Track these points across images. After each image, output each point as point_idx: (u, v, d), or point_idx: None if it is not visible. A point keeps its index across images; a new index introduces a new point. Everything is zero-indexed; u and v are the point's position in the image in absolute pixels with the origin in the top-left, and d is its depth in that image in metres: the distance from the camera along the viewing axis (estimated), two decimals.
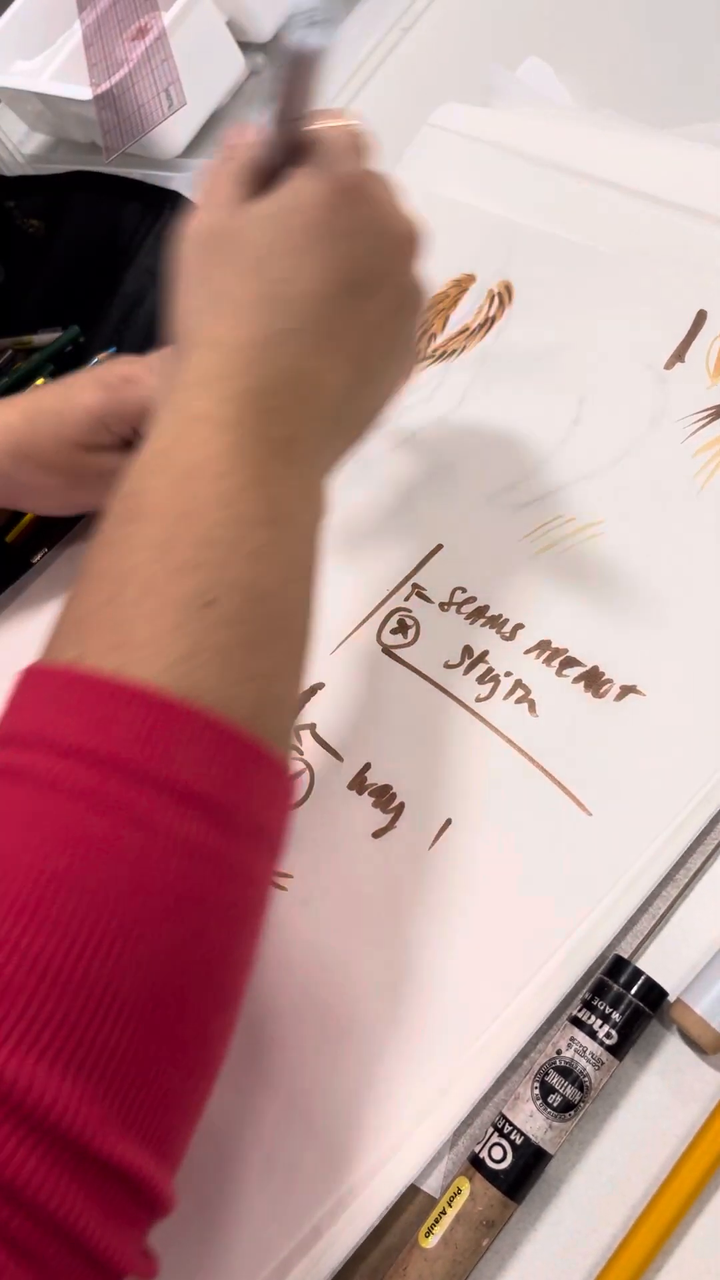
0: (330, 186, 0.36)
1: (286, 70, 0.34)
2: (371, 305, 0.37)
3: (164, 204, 0.68)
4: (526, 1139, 0.34)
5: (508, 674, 0.43)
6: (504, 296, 0.55)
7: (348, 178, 0.36)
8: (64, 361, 0.66)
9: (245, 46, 0.72)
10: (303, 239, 0.35)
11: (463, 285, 0.56)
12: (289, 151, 0.37)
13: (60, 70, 0.71)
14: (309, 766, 0.44)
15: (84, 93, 0.66)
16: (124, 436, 0.49)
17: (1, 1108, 0.25)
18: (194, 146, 0.72)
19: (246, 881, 0.31)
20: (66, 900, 0.27)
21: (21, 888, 0.27)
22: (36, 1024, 0.26)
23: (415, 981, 0.38)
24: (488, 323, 0.54)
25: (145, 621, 0.31)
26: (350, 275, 0.36)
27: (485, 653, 0.44)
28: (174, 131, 0.69)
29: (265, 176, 0.38)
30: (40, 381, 0.64)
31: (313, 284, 0.35)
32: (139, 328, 0.65)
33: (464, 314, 0.55)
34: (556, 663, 0.43)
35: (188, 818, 0.29)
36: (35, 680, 0.31)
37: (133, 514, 0.33)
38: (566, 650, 0.43)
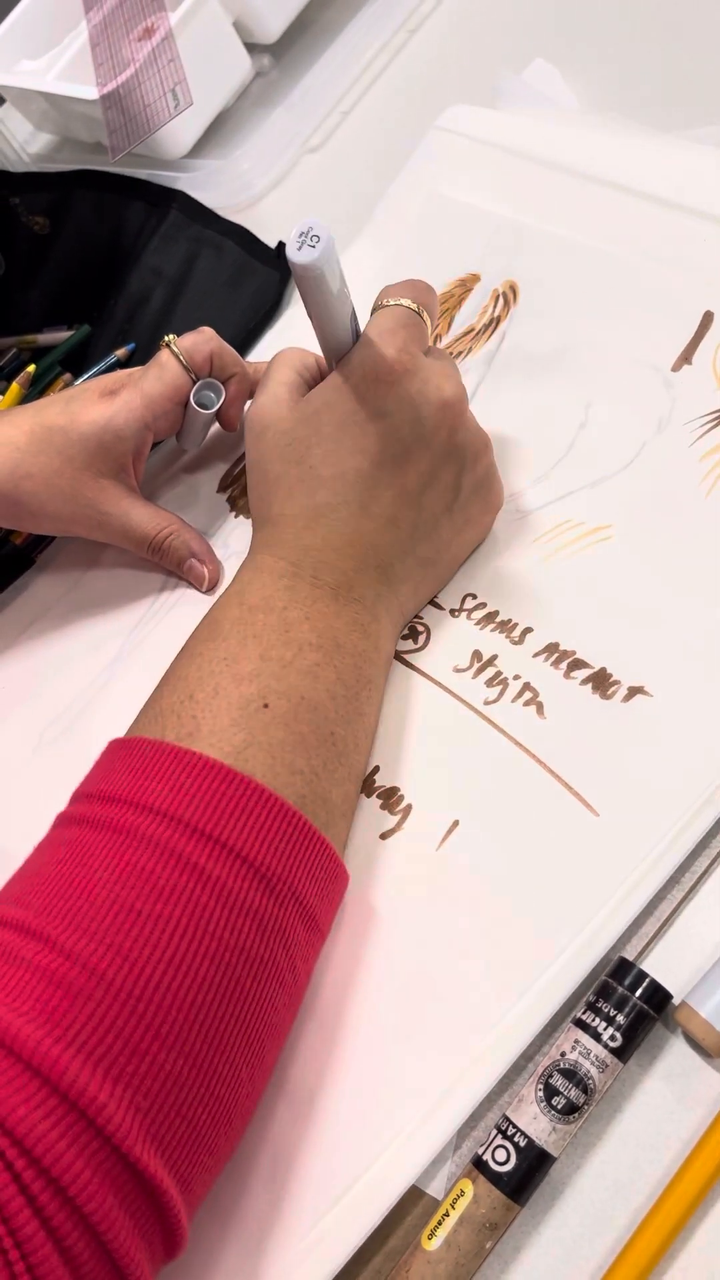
0: (359, 379, 0.41)
1: (299, 285, 0.38)
2: (410, 473, 0.42)
3: (169, 204, 0.68)
4: (530, 1141, 0.34)
5: (516, 677, 0.43)
6: (509, 296, 0.55)
7: (378, 364, 0.41)
8: (69, 360, 0.66)
9: (251, 48, 0.72)
10: (334, 430, 0.42)
11: (467, 285, 0.56)
12: (336, 350, 0.42)
13: (66, 70, 0.71)
14: None
15: (90, 92, 0.66)
16: (122, 463, 0.50)
17: (54, 1103, 0.28)
18: (200, 147, 0.72)
19: (280, 942, 0.34)
20: (131, 929, 0.31)
21: (97, 916, 0.31)
22: (99, 1031, 0.29)
23: (419, 982, 0.38)
24: (493, 323, 0.54)
25: (213, 717, 0.37)
26: (383, 451, 0.42)
27: (494, 657, 0.44)
28: (180, 132, 0.69)
29: (317, 374, 0.45)
30: (60, 385, 0.64)
31: (346, 465, 0.42)
32: (144, 327, 0.65)
33: (468, 315, 0.55)
34: (565, 665, 0.43)
35: (236, 874, 0.33)
36: (121, 751, 0.37)
37: (211, 634, 0.40)
38: (574, 652, 0.43)
